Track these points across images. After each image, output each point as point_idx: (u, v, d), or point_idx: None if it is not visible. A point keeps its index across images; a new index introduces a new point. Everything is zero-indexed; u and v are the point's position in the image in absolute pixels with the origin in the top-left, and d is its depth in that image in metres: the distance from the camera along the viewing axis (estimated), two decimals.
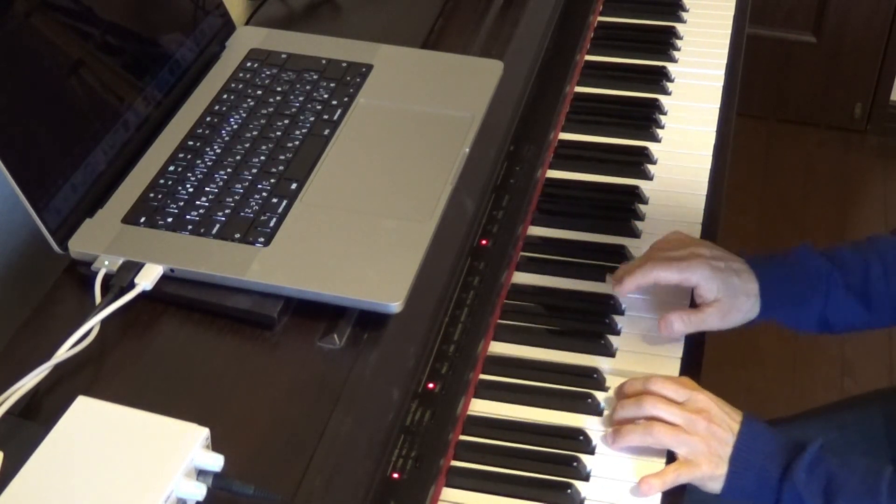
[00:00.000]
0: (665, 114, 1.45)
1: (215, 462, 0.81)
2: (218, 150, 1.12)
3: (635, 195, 1.32)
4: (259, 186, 1.08)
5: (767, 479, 1.03)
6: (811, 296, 1.18)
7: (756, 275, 1.17)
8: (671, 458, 1.04)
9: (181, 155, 1.11)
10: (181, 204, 1.06)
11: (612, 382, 1.10)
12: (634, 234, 1.28)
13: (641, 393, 1.06)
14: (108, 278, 0.99)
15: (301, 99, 1.19)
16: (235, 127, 1.16)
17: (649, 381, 1.06)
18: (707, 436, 1.03)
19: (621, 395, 1.08)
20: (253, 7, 1.41)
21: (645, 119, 1.43)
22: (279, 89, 1.21)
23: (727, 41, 1.58)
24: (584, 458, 1.03)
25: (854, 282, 1.18)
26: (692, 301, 1.19)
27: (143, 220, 1.04)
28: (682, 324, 1.15)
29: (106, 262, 1.00)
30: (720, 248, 1.19)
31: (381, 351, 0.97)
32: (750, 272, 1.17)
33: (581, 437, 1.05)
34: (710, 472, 1.03)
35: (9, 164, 0.95)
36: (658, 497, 1.01)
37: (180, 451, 0.80)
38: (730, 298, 1.15)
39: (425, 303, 1.02)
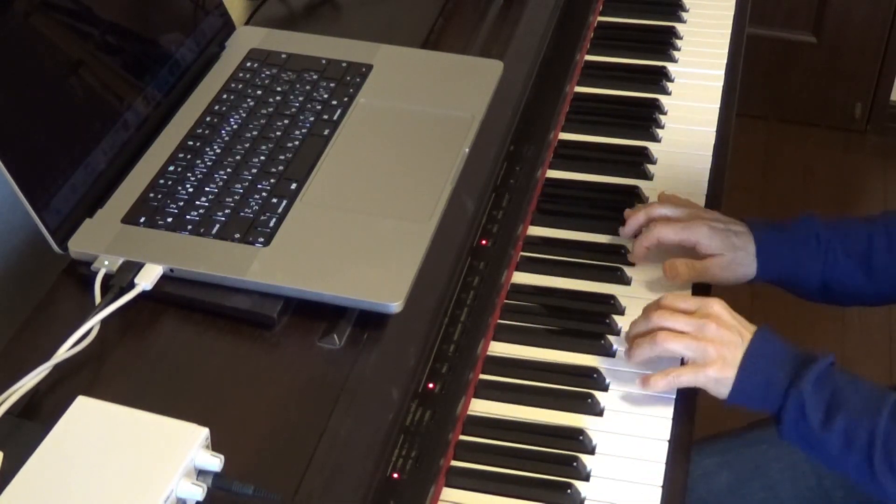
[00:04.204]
0: (665, 114, 1.45)
1: (215, 462, 0.81)
2: (218, 150, 1.12)
3: (635, 195, 1.32)
4: (259, 186, 1.08)
5: (774, 386, 1.04)
6: (807, 257, 1.21)
7: (753, 235, 1.21)
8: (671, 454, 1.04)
9: (181, 155, 1.11)
10: (181, 204, 1.06)
11: (613, 382, 1.10)
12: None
13: (651, 308, 1.09)
14: (107, 278, 0.99)
15: (301, 99, 1.19)
16: (235, 127, 1.16)
17: (661, 297, 1.10)
18: (716, 339, 1.05)
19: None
20: (253, 7, 1.41)
21: (645, 119, 1.43)
22: (279, 89, 1.21)
23: (727, 41, 1.58)
24: (584, 458, 1.03)
25: (855, 248, 1.20)
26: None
27: (142, 220, 1.04)
28: (687, 269, 1.19)
29: (106, 262, 1.00)
30: (720, 214, 1.24)
31: (381, 351, 0.97)
32: (749, 234, 1.21)
33: (581, 437, 1.05)
34: (717, 374, 1.04)
35: (9, 164, 0.95)
36: (658, 494, 1.01)
37: (180, 451, 0.80)
38: (731, 252, 1.20)
39: (425, 303, 1.02)
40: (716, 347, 1.05)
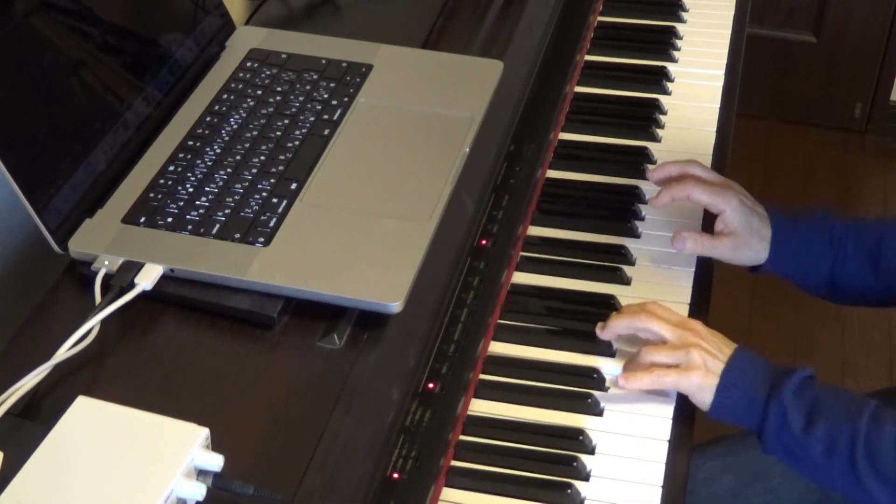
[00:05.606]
0: (665, 114, 1.45)
1: (215, 462, 0.81)
2: (218, 150, 1.12)
3: (635, 195, 1.32)
4: (259, 186, 1.08)
5: (755, 398, 1.05)
6: (818, 249, 1.23)
7: (772, 222, 1.23)
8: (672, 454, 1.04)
9: (181, 155, 1.11)
10: (181, 204, 1.06)
11: (612, 382, 1.10)
12: (634, 234, 1.28)
13: (637, 311, 1.11)
14: (108, 278, 0.99)
15: (301, 99, 1.19)
16: (235, 127, 1.16)
17: (645, 303, 1.11)
18: (700, 346, 1.06)
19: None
20: (253, 7, 1.41)
21: (645, 119, 1.43)
22: (279, 89, 1.21)
23: (727, 41, 1.58)
24: (584, 458, 1.03)
25: (866, 244, 1.22)
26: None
27: (143, 220, 1.04)
28: (694, 243, 1.21)
29: (106, 262, 1.00)
30: (748, 192, 1.25)
31: (381, 351, 0.97)
32: (768, 220, 1.23)
33: (581, 437, 1.05)
34: (701, 380, 1.05)
35: (9, 164, 0.95)
36: (658, 494, 1.01)
37: (180, 451, 0.80)
38: (746, 235, 1.22)
39: (425, 303, 1.02)
40: (700, 353, 1.06)
